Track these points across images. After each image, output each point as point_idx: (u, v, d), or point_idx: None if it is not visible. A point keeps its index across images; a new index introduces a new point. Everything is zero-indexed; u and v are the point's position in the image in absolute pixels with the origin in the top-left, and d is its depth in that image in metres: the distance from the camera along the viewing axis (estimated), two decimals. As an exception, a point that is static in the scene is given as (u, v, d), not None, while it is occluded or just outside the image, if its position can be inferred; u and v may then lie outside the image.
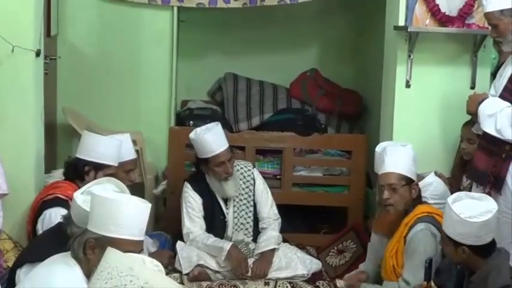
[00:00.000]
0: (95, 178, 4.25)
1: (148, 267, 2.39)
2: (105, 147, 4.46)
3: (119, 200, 2.97)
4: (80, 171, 4.39)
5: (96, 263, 2.84)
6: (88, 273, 2.93)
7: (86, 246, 2.95)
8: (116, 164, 4.49)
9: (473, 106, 4.09)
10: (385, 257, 4.21)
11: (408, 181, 4.18)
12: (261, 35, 6.92)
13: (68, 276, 2.93)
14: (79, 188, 4.01)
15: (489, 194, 3.90)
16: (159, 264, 2.44)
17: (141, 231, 3.00)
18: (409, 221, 4.10)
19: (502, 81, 4.07)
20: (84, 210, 3.14)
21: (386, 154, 4.26)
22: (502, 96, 4.00)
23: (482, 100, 4.04)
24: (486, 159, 4.02)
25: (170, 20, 6.00)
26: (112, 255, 2.42)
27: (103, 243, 2.90)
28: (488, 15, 4.07)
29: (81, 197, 3.24)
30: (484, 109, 3.99)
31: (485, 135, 4.04)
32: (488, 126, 3.95)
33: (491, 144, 3.99)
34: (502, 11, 3.96)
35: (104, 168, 4.40)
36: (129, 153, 4.75)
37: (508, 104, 3.92)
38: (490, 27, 4.16)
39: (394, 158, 4.24)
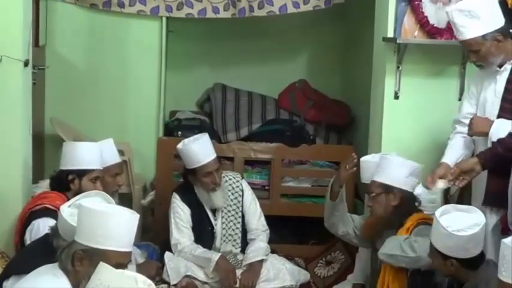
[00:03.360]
0: (80, 185, 4.29)
1: (140, 287, 2.38)
2: (84, 152, 4.41)
3: (107, 212, 2.95)
4: (64, 182, 4.35)
5: (84, 274, 2.82)
6: (76, 285, 2.91)
7: (74, 258, 2.93)
8: (100, 167, 4.45)
9: (484, 127, 3.96)
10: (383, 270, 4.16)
11: (386, 188, 4.19)
12: (250, 46, 6.92)
13: (56, 287, 2.91)
14: (67, 198, 4.00)
15: (506, 215, 3.86)
16: (152, 283, 2.43)
17: (130, 242, 2.98)
18: (409, 226, 4.08)
19: (491, 100, 4.03)
20: (70, 225, 3.13)
21: (378, 164, 4.33)
22: (500, 117, 3.94)
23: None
24: (499, 181, 3.89)
25: (159, 31, 6.00)
26: (104, 271, 2.40)
27: (91, 254, 2.89)
28: (468, 42, 3.96)
29: (67, 211, 3.22)
30: (496, 132, 3.89)
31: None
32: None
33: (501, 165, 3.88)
34: (484, 36, 3.89)
35: (87, 174, 4.35)
36: (113, 158, 4.72)
37: None
38: (468, 53, 4.04)
39: (379, 166, 4.30)
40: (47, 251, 3.22)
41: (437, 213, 3.46)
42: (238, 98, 6.58)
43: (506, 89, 3.96)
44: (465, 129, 4.18)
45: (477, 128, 4.01)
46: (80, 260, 2.92)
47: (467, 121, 4.15)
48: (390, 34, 4.90)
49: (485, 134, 3.95)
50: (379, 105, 5.06)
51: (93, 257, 2.87)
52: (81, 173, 4.35)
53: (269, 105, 6.57)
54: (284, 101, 6.59)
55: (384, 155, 4.40)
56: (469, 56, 4.08)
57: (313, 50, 7.10)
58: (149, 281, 2.42)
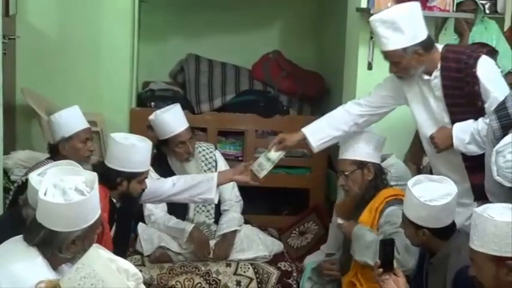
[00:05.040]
0: (128, 187, 4.13)
1: (130, 283, 2.39)
2: (137, 155, 4.16)
3: (77, 202, 2.90)
4: (112, 182, 4.13)
5: (80, 251, 2.81)
6: (54, 261, 2.89)
7: (68, 245, 2.90)
8: (149, 167, 4.26)
9: (448, 140, 3.92)
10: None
11: (359, 164, 4.19)
12: (223, 16, 6.89)
13: (33, 270, 2.87)
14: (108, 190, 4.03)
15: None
16: (140, 277, 2.42)
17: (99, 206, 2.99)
18: (378, 206, 4.08)
19: (436, 109, 4.01)
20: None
21: (341, 141, 4.30)
22: (455, 121, 3.92)
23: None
24: (479, 175, 3.82)
25: (131, 0, 5.93)
26: (97, 261, 2.38)
27: (84, 232, 2.89)
28: (389, 53, 3.93)
29: (37, 179, 3.18)
30: (459, 142, 3.87)
31: (466, 158, 3.95)
32: (473, 151, 3.86)
33: (475, 160, 3.87)
34: (405, 49, 3.86)
35: (137, 176, 4.17)
36: (80, 123, 4.59)
37: (471, 120, 3.86)
38: (390, 63, 4.00)
39: (345, 143, 4.27)
40: (17, 223, 3.19)
41: (410, 183, 3.47)
42: (211, 69, 6.56)
43: (445, 95, 3.94)
44: (358, 110, 4.26)
45: (443, 145, 3.96)
46: (74, 243, 2.90)
47: (366, 108, 4.25)
48: (364, 4, 4.89)
49: (451, 146, 3.94)
50: (353, 76, 5.06)
51: (84, 234, 2.89)
52: (131, 176, 4.16)
53: (243, 76, 6.55)
54: (258, 71, 6.58)
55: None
56: (389, 67, 4.03)
57: (287, 21, 7.08)
58: (139, 275, 2.42)
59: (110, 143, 4.20)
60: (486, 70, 3.85)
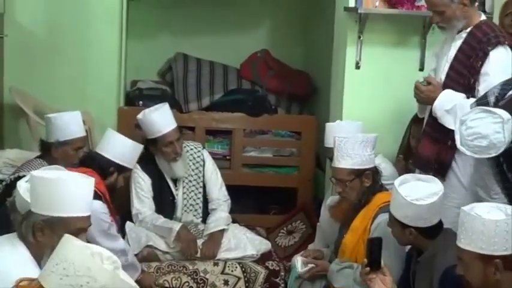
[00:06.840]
0: (116, 180, 4.45)
1: (105, 268, 2.35)
2: (131, 150, 4.56)
3: (59, 179, 2.90)
4: (105, 170, 4.40)
5: (47, 244, 2.78)
6: (39, 255, 2.87)
7: (35, 229, 2.89)
8: (132, 167, 4.64)
9: (434, 94, 3.98)
10: (345, 250, 4.11)
11: (358, 173, 4.01)
12: (212, 15, 6.88)
13: (13, 257, 2.87)
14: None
15: None
16: (117, 260, 2.40)
17: (87, 205, 2.95)
18: (371, 213, 3.97)
19: (443, 65, 4.07)
20: (25, 201, 3.08)
21: (336, 147, 4.08)
22: (445, 85, 4.00)
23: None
24: (430, 146, 3.99)
25: (120, -2, 5.93)
26: (70, 247, 2.37)
27: (51, 223, 2.85)
28: (434, 1, 3.98)
29: (24, 186, 3.17)
30: (440, 104, 3.94)
31: (431, 123, 4.02)
32: (447, 121, 3.90)
33: (436, 131, 3.97)
34: None
35: (125, 171, 4.52)
36: (79, 131, 4.65)
37: (463, 95, 3.90)
38: (432, 14, 4.06)
39: (341, 150, 4.04)
40: (4, 222, 3.18)
41: (397, 182, 3.47)
42: (200, 68, 6.55)
43: (455, 57, 4.01)
44: None
45: (425, 93, 4.04)
46: (41, 230, 2.88)
47: None
48: (352, 4, 4.90)
49: (430, 103, 4.00)
50: (341, 75, 5.07)
51: (53, 225, 2.84)
52: (121, 169, 4.47)
53: (231, 75, 6.55)
54: (246, 70, 6.57)
55: (339, 137, 4.12)
56: (432, 17, 4.09)
57: (275, 20, 7.08)
58: (114, 258, 2.39)
59: (109, 135, 4.55)
60: (500, 56, 3.89)
